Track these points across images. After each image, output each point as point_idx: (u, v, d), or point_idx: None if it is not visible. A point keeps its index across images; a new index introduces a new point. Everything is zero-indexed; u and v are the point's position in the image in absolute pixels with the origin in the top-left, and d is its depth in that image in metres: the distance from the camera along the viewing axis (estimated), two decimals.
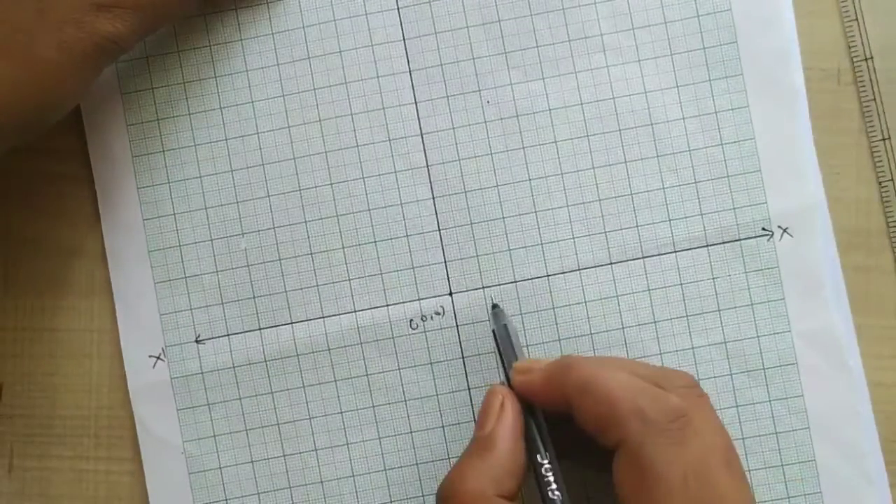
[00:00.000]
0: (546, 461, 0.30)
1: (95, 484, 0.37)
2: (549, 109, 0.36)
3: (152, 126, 0.37)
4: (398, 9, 0.37)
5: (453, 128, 0.36)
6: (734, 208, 0.36)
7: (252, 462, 0.37)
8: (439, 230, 0.37)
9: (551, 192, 0.36)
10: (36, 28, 0.30)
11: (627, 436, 0.28)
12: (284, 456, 0.37)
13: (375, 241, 0.37)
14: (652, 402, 0.28)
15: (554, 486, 0.30)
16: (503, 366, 0.33)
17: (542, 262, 0.36)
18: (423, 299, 0.36)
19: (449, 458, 0.36)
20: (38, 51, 0.30)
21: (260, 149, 0.37)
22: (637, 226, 0.36)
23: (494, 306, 0.35)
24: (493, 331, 0.34)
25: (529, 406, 0.31)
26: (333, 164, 0.37)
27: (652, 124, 0.36)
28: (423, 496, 0.36)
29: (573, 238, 0.36)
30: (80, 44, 0.30)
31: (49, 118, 0.32)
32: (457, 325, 0.36)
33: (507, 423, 0.30)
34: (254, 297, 0.37)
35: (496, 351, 0.34)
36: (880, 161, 0.36)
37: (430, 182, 0.37)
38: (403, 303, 0.37)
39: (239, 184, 0.37)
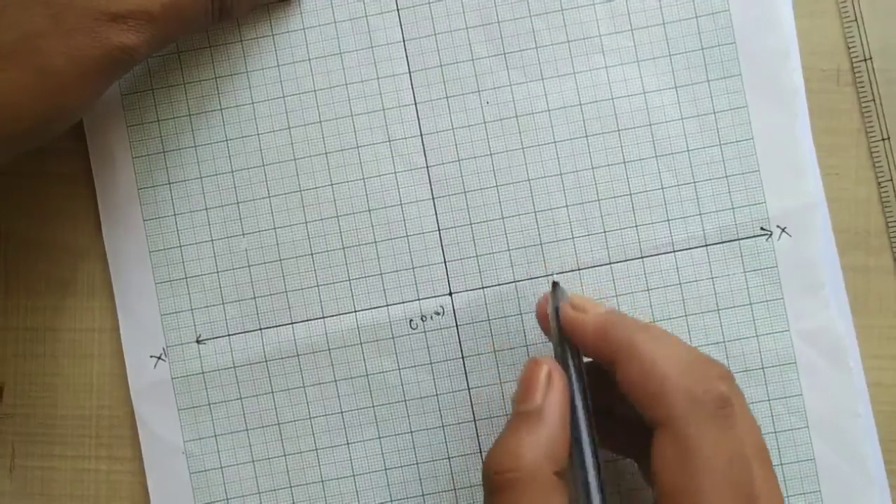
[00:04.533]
0: (586, 435, 0.29)
1: (96, 484, 0.37)
2: (549, 110, 0.36)
3: (153, 127, 0.37)
4: (398, 10, 0.37)
5: (453, 128, 0.37)
6: (733, 208, 0.36)
7: (252, 462, 0.37)
8: (439, 230, 0.37)
9: (550, 192, 0.36)
10: (47, 36, 0.30)
11: (673, 414, 0.27)
12: (285, 456, 0.37)
13: (375, 242, 0.37)
14: (700, 383, 0.27)
15: (591, 463, 0.29)
16: (560, 344, 0.31)
17: (541, 262, 0.36)
18: (423, 299, 0.37)
19: (449, 458, 0.36)
20: (49, 59, 0.30)
21: (260, 150, 0.37)
22: (636, 226, 0.36)
23: (555, 284, 0.32)
24: (556, 308, 0.32)
25: (577, 376, 0.30)
26: (334, 165, 0.37)
27: (651, 125, 0.36)
28: (423, 496, 0.36)
29: (572, 238, 0.36)
30: (91, 53, 0.30)
31: (58, 126, 0.32)
32: (457, 325, 0.36)
33: (557, 397, 0.29)
34: (254, 298, 0.37)
35: (554, 328, 0.31)
36: (880, 161, 0.36)
37: (430, 182, 0.37)
38: (403, 303, 0.37)
39: (239, 184, 0.37)
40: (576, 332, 0.30)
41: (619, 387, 0.29)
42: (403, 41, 0.37)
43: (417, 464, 0.36)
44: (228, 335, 0.37)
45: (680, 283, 0.36)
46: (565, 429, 0.29)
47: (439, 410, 0.36)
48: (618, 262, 0.36)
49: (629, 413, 0.29)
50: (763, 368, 0.36)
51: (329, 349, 0.37)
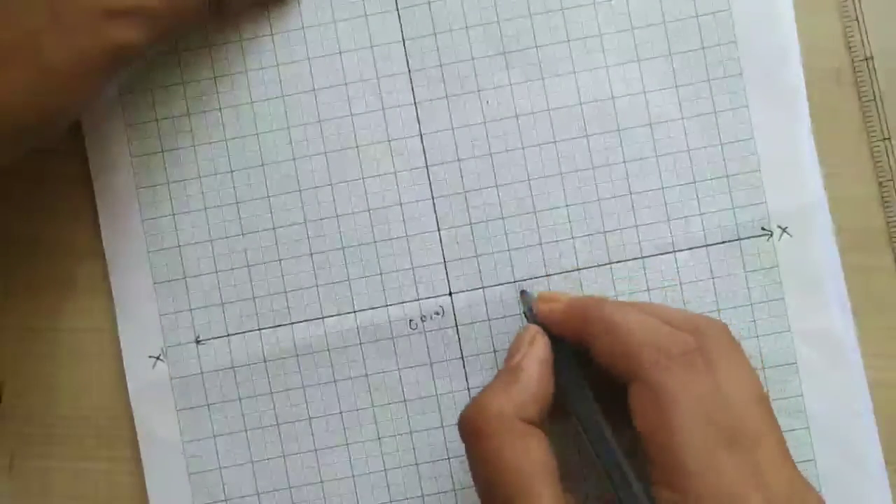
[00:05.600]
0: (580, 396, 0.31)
1: (95, 484, 0.37)
2: (549, 109, 0.36)
3: (151, 126, 0.37)
4: (398, 10, 0.37)
5: (452, 128, 0.37)
6: (733, 208, 0.36)
7: (252, 462, 0.37)
8: (439, 230, 0.37)
9: (550, 192, 0.36)
10: (48, 34, 0.30)
11: (641, 365, 0.29)
12: (284, 456, 0.37)
13: (375, 242, 0.37)
14: (664, 336, 0.29)
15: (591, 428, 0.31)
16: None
17: (541, 262, 0.36)
18: (422, 299, 0.36)
19: (449, 459, 0.36)
20: (50, 57, 0.30)
21: (259, 149, 0.37)
22: (636, 226, 0.36)
23: (522, 292, 0.36)
24: (525, 313, 0.35)
25: (564, 346, 0.32)
26: (333, 165, 0.37)
27: (651, 124, 0.36)
28: (423, 496, 0.36)
29: (572, 238, 0.36)
30: (92, 51, 0.30)
31: (59, 123, 0.32)
32: (456, 325, 0.36)
33: (535, 355, 0.31)
34: (253, 298, 0.37)
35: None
36: (880, 161, 0.36)
37: (430, 182, 0.37)
38: (403, 303, 0.37)
39: (238, 184, 0.37)
40: (549, 320, 0.32)
41: (596, 361, 0.30)
42: (403, 40, 0.37)
43: (417, 464, 0.36)
44: (227, 335, 0.37)
45: (680, 284, 0.36)
46: (539, 381, 0.31)
47: (439, 410, 0.36)
48: (618, 262, 0.36)
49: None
50: (764, 369, 0.36)
51: (328, 349, 0.37)
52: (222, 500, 0.37)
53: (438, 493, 0.36)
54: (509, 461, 0.29)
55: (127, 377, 0.37)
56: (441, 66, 0.37)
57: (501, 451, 0.29)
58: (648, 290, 0.36)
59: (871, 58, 0.36)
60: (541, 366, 0.31)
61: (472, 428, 0.30)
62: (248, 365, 0.37)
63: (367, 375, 0.37)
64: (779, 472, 0.28)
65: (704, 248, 0.36)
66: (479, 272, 0.36)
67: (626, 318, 0.30)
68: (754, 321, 0.36)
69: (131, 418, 0.37)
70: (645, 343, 0.29)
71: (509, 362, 0.32)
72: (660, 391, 0.28)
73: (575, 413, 0.31)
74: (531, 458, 0.29)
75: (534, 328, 0.32)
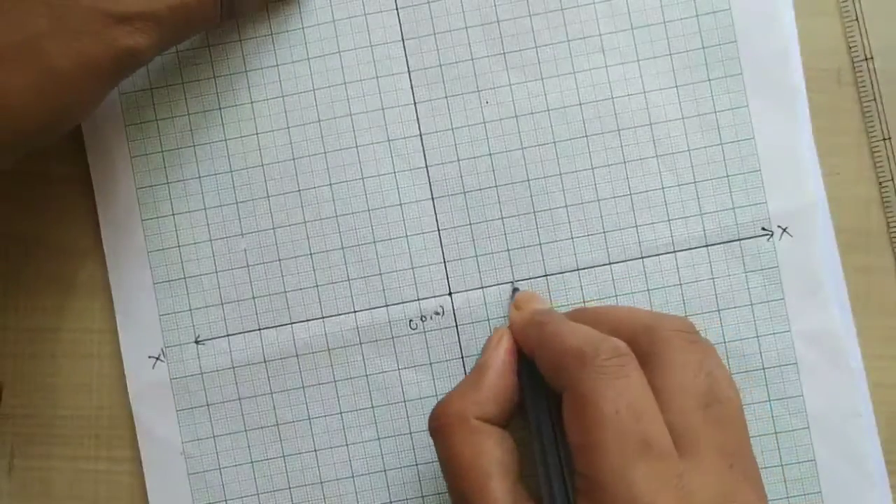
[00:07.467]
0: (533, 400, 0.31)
1: (95, 484, 0.37)
2: (548, 110, 0.36)
3: (151, 126, 0.37)
4: (397, 9, 0.37)
5: (452, 128, 0.37)
6: (733, 208, 0.36)
7: (251, 462, 0.37)
8: (438, 230, 0.37)
9: (550, 192, 0.36)
10: (53, 38, 0.30)
11: (569, 376, 0.28)
12: (284, 456, 0.37)
13: (375, 242, 0.37)
14: (591, 343, 0.28)
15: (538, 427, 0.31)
16: None
17: (540, 262, 0.36)
18: (422, 299, 0.36)
19: None
20: (54, 61, 0.30)
21: (259, 149, 0.37)
22: (636, 226, 0.36)
23: (515, 290, 0.36)
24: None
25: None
26: (333, 165, 0.37)
27: (651, 124, 0.36)
28: (422, 496, 0.36)
29: (572, 238, 0.36)
30: (97, 55, 0.30)
31: (62, 127, 0.32)
32: (456, 326, 0.36)
33: (498, 355, 0.32)
34: (253, 298, 0.37)
35: None
36: (880, 161, 0.36)
37: (430, 182, 0.37)
38: (403, 303, 0.37)
39: (238, 184, 0.37)
40: (512, 330, 0.33)
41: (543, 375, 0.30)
42: (403, 40, 0.37)
43: (417, 464, 0.36)
44: (227, 335, 0.37)
45: (680, 284, 0.36)
46: (500, 381, 0.31)
47: None
48: (618, 263, 0.36)
49: None
50: (764, 369, 0.36)
51: (328, 349, 0.37)
52: (222, 501, 0.37)
53: (438, 493, 0.36)
54: (465, 458, 0.29)
55: (127, 377, 0.37)
56: (441, 66, 0.37)
57: (458, 449, 0.30)
58: (648, 290, 0.36)
59: (871, 58, 0.36)
60: (503, 366, 0.32)
61: (434, 426, 0.31)
62: (248, 365, 0.37)
63: (367, 375, 0.37)
64: (709, 482, 0.26)
65: (704, 248, 0.36)
66: (479, 272, 0.36)
67: (560, 330, 0.30)
68: (754, 321, 0.36)
69: (131, 418, 0.37)
70: (571, 352, 0.28)
71: (477, 362, 0.32)
72: (581, 400, 0.27)
73: (529, 417, 0.31)
74: (485, 456, 0.29)
75: (503, 329, 0.33)
